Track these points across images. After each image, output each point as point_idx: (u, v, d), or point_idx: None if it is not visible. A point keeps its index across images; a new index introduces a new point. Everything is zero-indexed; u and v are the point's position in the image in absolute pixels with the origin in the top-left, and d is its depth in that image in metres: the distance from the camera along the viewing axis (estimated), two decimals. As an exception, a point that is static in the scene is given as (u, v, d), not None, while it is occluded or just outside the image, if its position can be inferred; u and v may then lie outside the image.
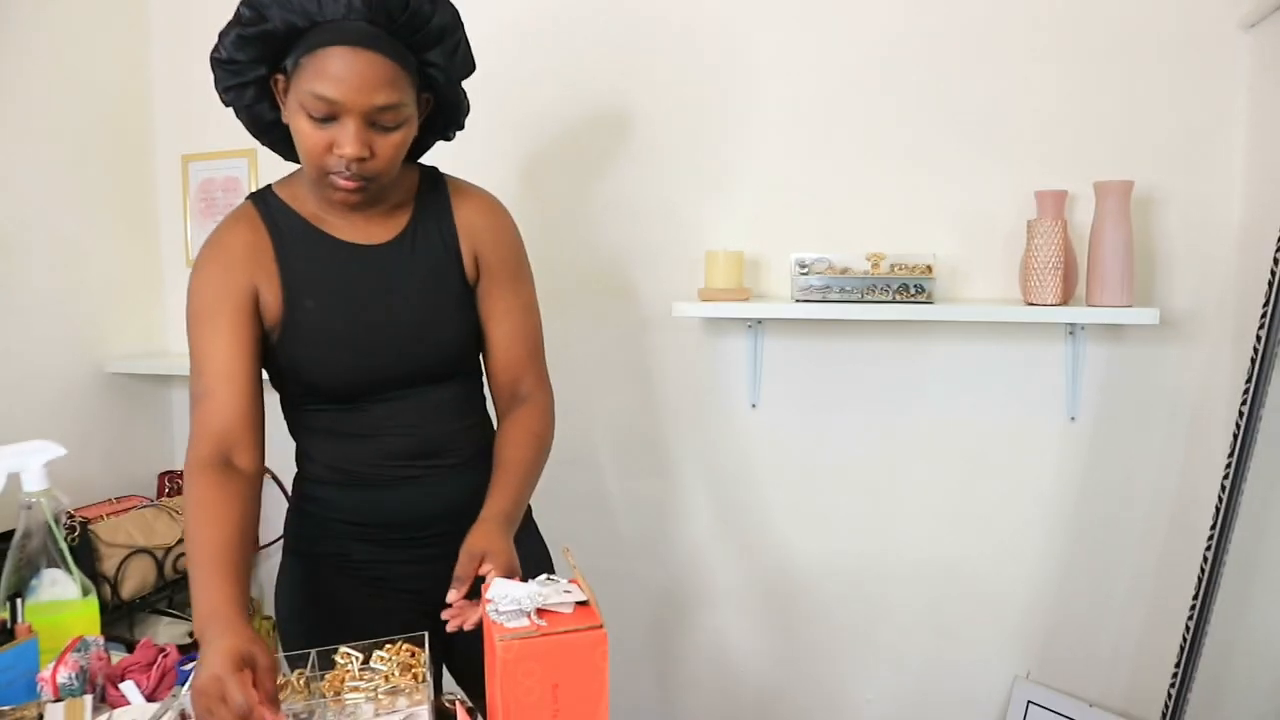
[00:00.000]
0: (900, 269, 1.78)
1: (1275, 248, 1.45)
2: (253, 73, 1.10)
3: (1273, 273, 1.45)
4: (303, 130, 1.06)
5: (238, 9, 1.06)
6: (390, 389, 1.19)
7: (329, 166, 1.07)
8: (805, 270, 1.80)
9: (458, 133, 1.29)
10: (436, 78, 1.13)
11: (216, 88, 1.14)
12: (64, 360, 2.10)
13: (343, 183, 1.08)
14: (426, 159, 1.30)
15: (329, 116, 1.04)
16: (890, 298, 1.76)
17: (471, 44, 1.18)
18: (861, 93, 1.89)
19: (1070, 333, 1.81)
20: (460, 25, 1.13)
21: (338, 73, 1.01)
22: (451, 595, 0.98)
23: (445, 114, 1.21)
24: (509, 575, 0.97)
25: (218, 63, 1.11)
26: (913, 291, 1.75)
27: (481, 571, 0.99)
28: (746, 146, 1.96)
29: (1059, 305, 1.70)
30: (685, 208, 2.00)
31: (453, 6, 1.11)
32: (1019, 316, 1.73)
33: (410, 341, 1.18)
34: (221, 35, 1.09)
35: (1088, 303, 1.71)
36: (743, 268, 1.86)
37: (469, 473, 1.24)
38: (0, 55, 1.93)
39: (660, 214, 2.01)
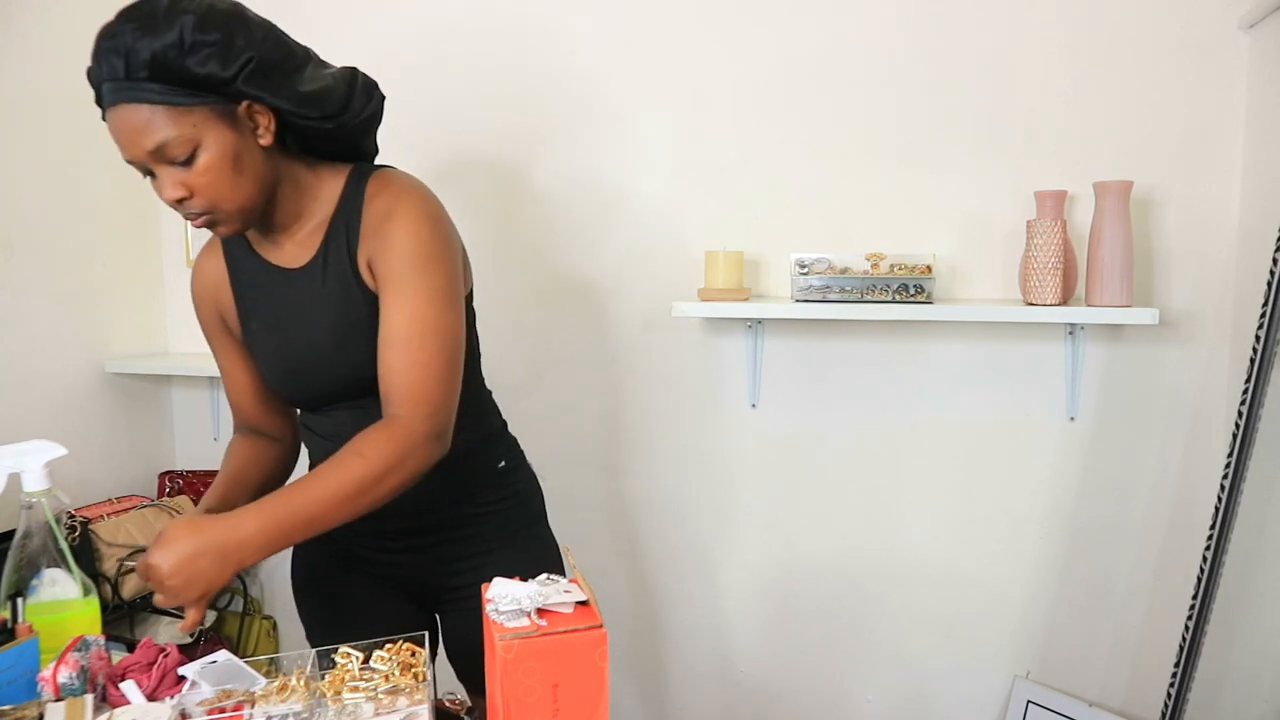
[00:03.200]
0: (900, 269, 1.78)
1: (1275, 248, 1.45)
2: None
3: (1272, 273, 1.45)
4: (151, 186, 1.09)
5: None
6: (334, 402, 1.21)
7: (176, 210, 1.08)
8: (805, 270, 1.81)
9: (359, 118, 1.14)
10: (224, 87, 1.02)
11: None
12: (64, 360, 2.10)
13: (191, 223, 1.09)
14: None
15: (144, 172, 1.06)
16: (890, 298, 1.76)
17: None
18: (862, 93, 1.89)
19: (1070, 333, 1.81)
20: (208, 30, 0.99)
21: (114, 137, 1.03)
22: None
23: (303, 113, 1.08)
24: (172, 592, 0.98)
25: None
26: (912, 291, 1.76)
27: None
28: (747, 146, 1.96)
29: (1059, 305, 1.70)
30: (685, 208, 2.00)
31: (190, 17, 0.98)
32: (1019, 316, 1.73)
33: (332, 363, 1.17)
34: None
35: (1087, 303, 1.71)
36: (743, 268, 1.86)
37: (426, 483, 1.14)
38: (1, 55, 1.93)
39: (660, 214, 2.02)
